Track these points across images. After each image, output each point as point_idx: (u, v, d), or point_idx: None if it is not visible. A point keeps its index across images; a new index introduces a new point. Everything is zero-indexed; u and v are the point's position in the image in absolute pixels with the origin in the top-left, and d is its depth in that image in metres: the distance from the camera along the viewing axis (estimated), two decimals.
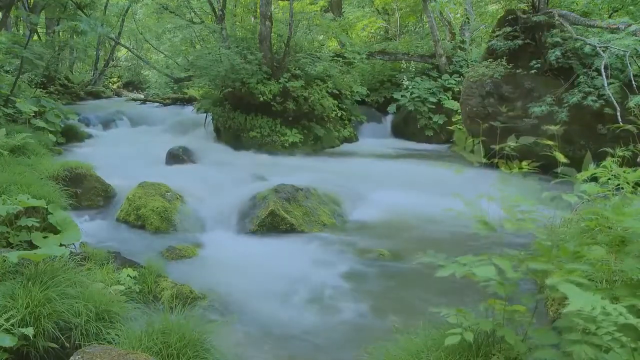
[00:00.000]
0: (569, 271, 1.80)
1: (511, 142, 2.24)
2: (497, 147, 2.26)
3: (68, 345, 2.59)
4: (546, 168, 2.29)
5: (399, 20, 17.08)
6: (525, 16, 8.28)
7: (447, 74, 12.32)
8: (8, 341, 2.35)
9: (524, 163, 2.22)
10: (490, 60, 8.51)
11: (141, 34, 17.32)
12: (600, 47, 6.83)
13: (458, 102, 10.26)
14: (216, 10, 11.50)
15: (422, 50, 13.46)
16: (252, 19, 14.46)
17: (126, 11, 16.85)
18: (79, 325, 2.63)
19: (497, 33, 8.46)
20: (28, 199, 3.71)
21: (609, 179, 2.82)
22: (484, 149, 2.33)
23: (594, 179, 2.82)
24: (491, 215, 2.10)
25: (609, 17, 9.04)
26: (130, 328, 2.64)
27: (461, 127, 10.25)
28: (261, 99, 9.76)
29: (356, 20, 17.14)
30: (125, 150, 9.26)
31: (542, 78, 7.99)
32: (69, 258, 3.26)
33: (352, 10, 17.99)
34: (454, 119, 11.11)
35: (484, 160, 2.31)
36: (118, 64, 23.58)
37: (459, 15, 14.87)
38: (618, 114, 6.19)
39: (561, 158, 2.17)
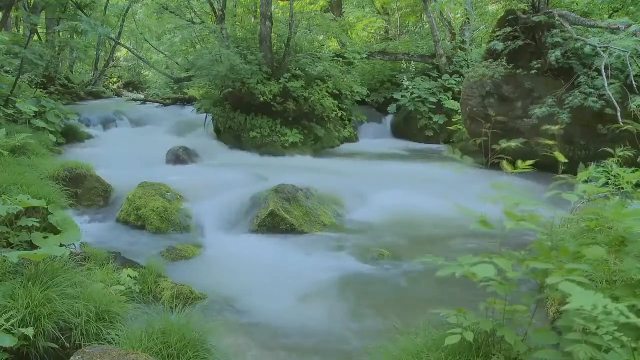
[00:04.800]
0: (569, 271, 1.80)
1: (505, 144, 2.23)
2: (498, 147, 2.26)
3: (68, 345, 2.59)
4: (547, 168, 2.29)
5: (399, 20, 17.09)
6: (525, 16, 8.28)
7: (447, 74, 12.32)
8: (8, 341, 2.35)
9: (522, 163, 2.22)
10: (490, 60, 8.51)
11: (141, 34, 17.30)
12: (600, 47, 6.83)
13: (458, 102, 10.26)
14: (216, 10, 11.49)
15: (422, 50, 13.47)
16: (252, 19, 14.46)
17: (126, 11, 16.83)
18: (79, 325, 2.63)
19: (497, 33, 8.46)
20: (28, 199, 3.71)
21: (609, 179, 2.82)
22: (484, 149, 2.32)
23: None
24: (491, 215, 2.10)
25: (609, 17, 9.05)
26: (130, 328, 2.64)
27: (461, 126, 10.26)
28: (261, 99, 9.76)
29: (356, 20, 17.16)
30: (125, 150, 9.26)
31: (542, 78, 7.99)
32: (69, 258, 3.26)
33: (352, 10, 18.00)
34: (454, 119, 11.11)
35: (471, 162, 2.30)
36: (118, 64, 23.55)
37: (459, 15, 14.87)
38: (618, 114, 6.19)
39: (560, 158, 2.16)
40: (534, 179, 5.99)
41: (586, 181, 2.64)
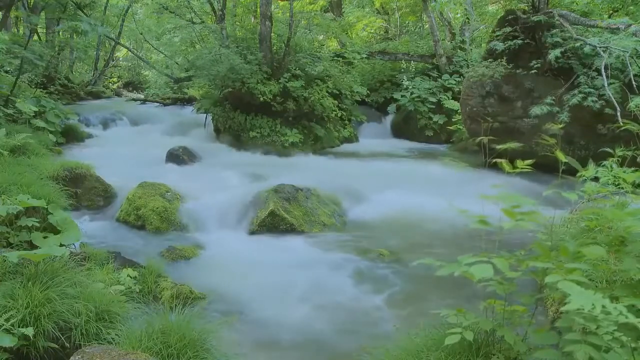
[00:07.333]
0: (569, 270, 1.80)
1: (504, 145, 2.23)
2: (498, 147, 2.26)
3: (68, 345, 2.59)
4: (547, 168, 2.29)
5: (399, 20, 17.09)
6: (525, 16, 8.28)
7: (447, 74, 12.32)
8: (8, 341, 2.35)
9: (523, 163, 2.22)
10: (490, 60, 8.51)
11: (141, 34, 17.32)
12: (600, 47, 6.83)
13: (458, 102, 10.26)
14: (216, 10, 11.50)
15: (422, 50, 13.47)
16: (252, 19, 14.46)
17: (126, 11, 16.85)
18: (79, 325, 2.63)
19: (497, 33, 8.46)
20: (28, 199, 3.71)
21: (608, 179, 2.82)
22: (483, 149, 2.32)
23: (594, 179, 2.81)
24: (490, 215, 2.10)
25: (609, 17, 9.05)
26: (130, 328, 2.64)
27: (461, 126, 10.25)
28: (261, 99, 9.76)
29: (356, 20, 17.16)
30: (125, 150, 9.26)
31: (542, 78, 7.99)
32: (69, 258, 3.26)
33: (352, 10, 18.00)
34: (454, 119, 11.12)
35: (472, 162, 2.30)
36: (118, 64, 23.56)
37: (459, 15, 14.87)
38: (618, 114, 6.19)
39: (561, 157, 2.16)
40: (534, 179, 6.01)
41: (586, 180, 2.64)
